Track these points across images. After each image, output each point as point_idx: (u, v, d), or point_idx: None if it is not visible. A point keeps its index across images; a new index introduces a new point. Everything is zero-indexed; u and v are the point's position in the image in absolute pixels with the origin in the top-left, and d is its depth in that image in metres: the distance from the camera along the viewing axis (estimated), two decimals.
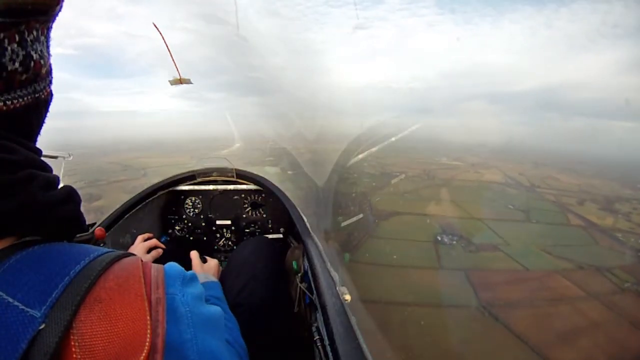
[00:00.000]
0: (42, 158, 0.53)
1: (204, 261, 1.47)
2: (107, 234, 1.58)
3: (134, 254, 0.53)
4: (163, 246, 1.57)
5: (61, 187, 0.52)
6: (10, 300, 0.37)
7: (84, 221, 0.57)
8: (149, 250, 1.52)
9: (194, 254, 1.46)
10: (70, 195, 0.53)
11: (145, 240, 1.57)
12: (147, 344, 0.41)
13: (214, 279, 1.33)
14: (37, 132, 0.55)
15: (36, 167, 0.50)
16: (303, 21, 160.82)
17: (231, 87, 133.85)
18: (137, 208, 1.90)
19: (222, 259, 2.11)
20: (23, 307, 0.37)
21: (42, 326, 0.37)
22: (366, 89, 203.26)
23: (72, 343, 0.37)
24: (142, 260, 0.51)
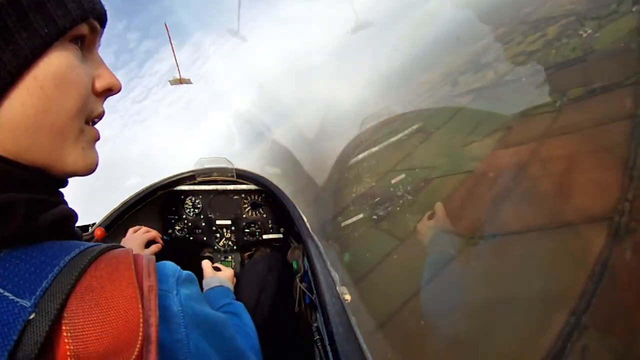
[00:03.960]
0: None
1: (217, 270, 1.45)
2: (107, 234, 1.58)
3: (124, 247, 0.52)
4: (161, 241, 1.56)
5: (54, 210, 0.48)
6: (1, 290, 0.37)
7: (80, 237, 0.55)
8: (148, 245, 1.48)
9: (206, 263, 1.44)
10: (63, 220, 0.50)
11: (136, 232, 1.51)
12: (140, 334, 0.40)
13: (229, 284, 1.32)
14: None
15: (20, 187, 0.44)
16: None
17: None
18: (137, 208, 1.90)
19: (222, 259, 2.11)
20: (13, 297, 0.37)
21: (32, 316, 0.36)
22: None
23: (64, 333, 0.37)
24: (132, 250, 0.50)
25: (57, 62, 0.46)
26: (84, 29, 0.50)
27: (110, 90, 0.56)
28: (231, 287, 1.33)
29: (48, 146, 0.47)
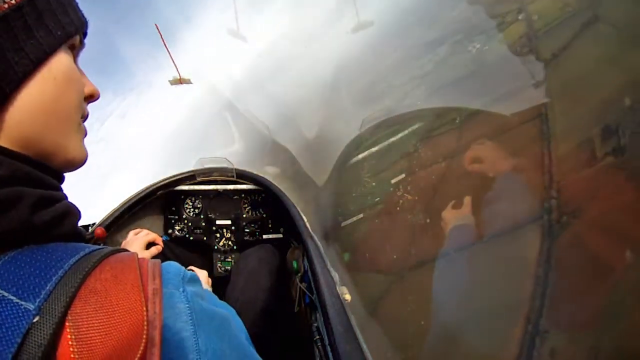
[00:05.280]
0: None
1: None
2: (107, 233, 1.58)
3: (129, 250, 0.53)
4: (161, 244, 1.56)
5: (56, 205, 0.49)
6: (5, 294, 0.37)
7: (83, 235, 0.55)
8: (148, 246, 1.47)
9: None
10: (66, 214, 0.51)
11: (137, 234, 1.50)
12: (143, 337, 0.40)
13: (207, 287, 1.30)
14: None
15: (26, 181, 0.46)
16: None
17: None
18: (137, 208, 1.90)
19: (222, 259, 2.11)
20: (17, 300, 0.37)
21: (36, 319, 0.36)
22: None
23: (68, 336, 0.37)
24: (137, 254, 0.50)
25: (64, 61, 0.54)
26: (76, 40, 0.58)
27: (92, 97, 0.63)
28: (208, 288, 1.31)
29: (58, 130, 0.53)
